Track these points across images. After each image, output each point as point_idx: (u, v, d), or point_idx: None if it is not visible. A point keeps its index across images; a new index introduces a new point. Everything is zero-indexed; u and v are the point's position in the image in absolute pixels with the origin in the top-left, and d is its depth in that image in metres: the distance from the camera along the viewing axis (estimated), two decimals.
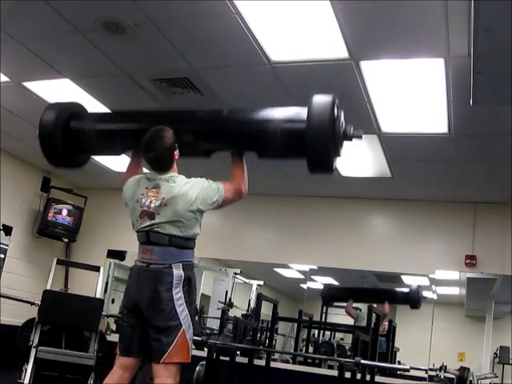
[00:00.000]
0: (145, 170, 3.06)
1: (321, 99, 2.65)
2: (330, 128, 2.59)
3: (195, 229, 2.74)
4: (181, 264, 2.67)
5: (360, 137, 2.78)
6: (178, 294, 2.63)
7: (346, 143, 2.79)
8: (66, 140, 3.10)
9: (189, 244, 2.74)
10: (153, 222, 2.67)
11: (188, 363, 2.67)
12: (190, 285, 2.71)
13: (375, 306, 5.96)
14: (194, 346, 2.74)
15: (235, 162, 2.88)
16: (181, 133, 2.81)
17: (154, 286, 2.63)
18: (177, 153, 2.80)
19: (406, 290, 6.11)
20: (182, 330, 2.62)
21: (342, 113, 2.71)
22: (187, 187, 2.70)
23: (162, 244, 2.67)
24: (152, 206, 2.68)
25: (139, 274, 2.71)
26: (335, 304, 6.94)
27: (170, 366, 2.60)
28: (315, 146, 2.60)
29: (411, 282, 6.24)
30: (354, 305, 6.47)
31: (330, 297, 6.53)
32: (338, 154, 2.73)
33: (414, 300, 5.91)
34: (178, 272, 2.65)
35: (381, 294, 6.35)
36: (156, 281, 2.63)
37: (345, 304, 6.47)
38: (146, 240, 2.71)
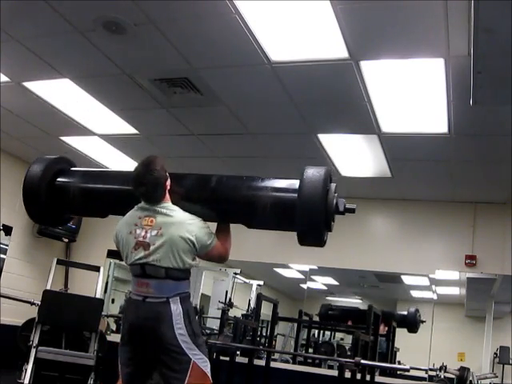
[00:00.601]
0: None
1: (313, 172, 2.57)
2: (322, 202, 2.51)
3: (191, 260, 2.63)
4: (178, 297, 2.58)
5: (353, 211, 2.68)
6: (180, 330, 2.53)
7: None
8: (50, 198, 3.00)
9: (185, 275, 2.65)
10: (147, 252, 2.57)
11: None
12: (190, 317, 2.61)
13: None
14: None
15: (221, 228, 2.81)
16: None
17: (155, 328, 2.53)
18: (168, 183, 2.69)
19: (404, 312, 6.12)
20: (192, 363, 2.53)
21: (335, 186, 2.64)
22: (185, 218, 2.63)
23: (159, 277, 2.57)
24: (148, 235, 2.59)
25: (136, 311, 2.61)
26: (336, 302, 6.96)
27: None
28: (306, 219, 2.53)
29: (411, 282, 6.26)
30: None
31: (327, 317, 6.51)
32: (329, 229, 2.64)
33: (411, 324, 5.92)
34: (175, 307, 2.56)
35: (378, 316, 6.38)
36: (156, 321, 2.54)
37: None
38: (141, 273, 2.60)
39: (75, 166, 3.23)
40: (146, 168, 2.64)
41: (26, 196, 3.02)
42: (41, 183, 2.98)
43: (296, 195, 2.54)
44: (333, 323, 6.75)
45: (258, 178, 2.76)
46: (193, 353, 2.55)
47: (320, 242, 2.66)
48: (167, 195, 2.70)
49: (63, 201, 3.04)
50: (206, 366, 2.59)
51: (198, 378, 2.55)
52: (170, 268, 2.57)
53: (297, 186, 2.57)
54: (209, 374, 2.60)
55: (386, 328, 5.91)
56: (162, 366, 2.56)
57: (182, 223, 2.60)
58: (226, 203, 2.77)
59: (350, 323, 6.33)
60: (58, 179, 3.04)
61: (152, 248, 2.57)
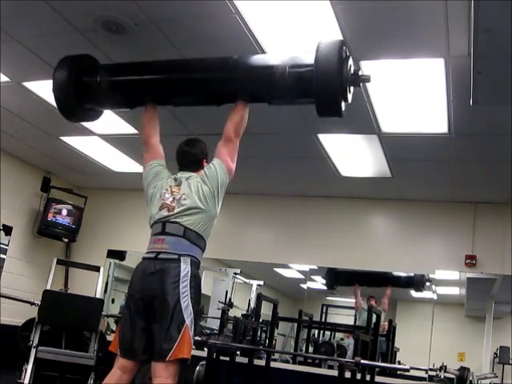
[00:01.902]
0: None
1: (328, 42, 2.66)
2: (337, 70, 2.58)
3: (209, 224, 2.81)
4: (189, 259, 2.69)
5: (368, 80, 2.75)
6: (184, 289, 2.63)
7: (354, 88, 2.77)
8: (79, 94, 3.12)
9: (200, 242, 2.77)
10: (170, 213, 2.76)
11: (188, 360, 2.63)
12: (196, 282, 2.71)
13: (374, 304, 5.99)
14: (194, 346, 2.72)
15: (235, 108, 2.92)
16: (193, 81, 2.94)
17: (160, 279, 2.63)
18: (206, 163, 2.95)
19: (410, 274, 6.10)
20: (185, 326, 2.59)
21: (351, 58, 2.71)
22: (200, 183, 2.82)
23: (176, 234, 2.72)
24: (174, 199, 2.79)
25: (146, 267, 2.72)
26: (336, 302, 6.97)
27: (171, 365, 2.57)
28: (322, 88, 2.59)
29: None
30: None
31: (333, 281, 6.52)
32: (346, 99, 2.70)
33: (417, 283, 5.92)
34: (185, 266, 2.66)
35: (385, 277, 6.36)
36: (163, 274, 2.64)
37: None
38: (161, 230, 2.76)
39: (99, 63, 3.32)
40: (189, 141, 3.04)
41: (56, 95, 3.14)
42: (68, 80, 3.10)
43: (312, 64, 2.61)
44: (333, 323, 6.78)
45: (274, 55, 2.87)
46: (187, 317, 2.62)
47: (337, 111, 2.70)
48: (200, 171, 2.92)
49: (92, 95, 3.14)
50: (193, 337, 2.67)
51: (185, 345, 2.59)
52: (189, 228, 2.73)
53: (313, 57, 2.63)
54: (191, 350, 2.64)
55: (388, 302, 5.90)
56: (158, 327, 2.61)
57: (196, 184, 2.81)
58: (246, 78, 2.88)
59: (357, 286, 6.41)
60: (85, 74, 3.14)
61: (176, 210, 2.77)
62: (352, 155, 5.12)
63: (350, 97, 2.74)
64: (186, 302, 2.62)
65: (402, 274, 6.23)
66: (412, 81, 3.68)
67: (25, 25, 3.63)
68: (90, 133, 5.42)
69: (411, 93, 3.83)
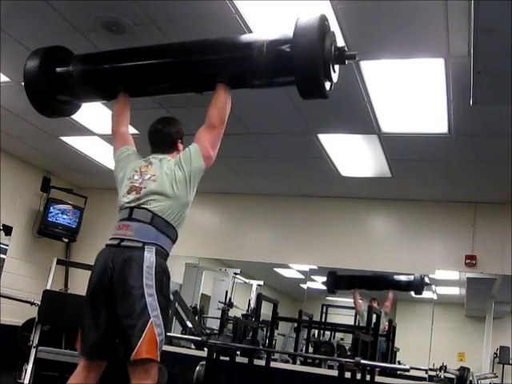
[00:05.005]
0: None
1: (308, 16, 2.42)
2: (317, 46, 2.36)
3: (180, 212, 2.60)
4: (154, 248, 2.48)
5: (354, 57, 2.55)
6: (148, 282, 2.41)
7: (341, 66, 2.58)
8: (51, 87, 2.95)
9: (169, 231, 2.57)
10: (138, 195, 2.58)
11: (157, 362, 2.41)
12: (163, 274, 2.49)
13: (376, 306, 5.99)
14: (161, 347, 2.44)
15: (216, 92, 2.73)
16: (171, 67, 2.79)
17: (122, 272, 2.43)
18: (181, 145, 2.82)
19: (410, 277, 6.10)
20: (149, 323, 2.37)
21: (335, 33, 2.51)
22: (174, 167, 2.64)
23: (143, 221, 2.52)
24: (142, 180, 2.63)
25: (107, 258, 2.51)
26: (336, 302, 6.97)
27: (146, 364, 2.38)
28: (302, 64, 2.38)
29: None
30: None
31: (334, 285, 6.52)
32: (330, 78, 2.47)
33: (418, 286, 5.91)
34: (149, 256, 2.45)
35: (385, 280, 6.36)
36: (125, 264, 2.43)
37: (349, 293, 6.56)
38: (128, 216, 2.57)
39: (73, 54, 3.15)
40: (167, 117, 2.93)
41: (27, 89, 2.97)
42: (40, 73, 2.93)
43: (291, 41, 2.41)
44: (333, 323, 6.77)
45: (253, 34, 2.78)
46: (152, 312, 2.40)
47: (321, 92, 2.47)
48: (174, 154, 2.77)
49: (66, 87, 2.98)
50: (161, 334, 2.41)
51: (149, 344, 2.36)
52: (158, 215, 2.53)
53: (291, 33, 2.42)
54: (159, 350, 2.40)
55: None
56: (121, 323, 2.42)
57: (170, 166, 2.64)
58: (224, 59, 2.69)
59: (357, 290, 6.40)
60: (58, 66, 2.98)
61: (143, 192, 2.59)
62: (352, 155, 5.12)
63: (335, 76, 2.51)
64: (150, 297, 2.40)
65: (402, 278, 6.22)
66: (412, 81, 3.68)
67: (25, 25, 3.63)
68: (90, 133, 5.42)
69: (411, 93, 3.83)
